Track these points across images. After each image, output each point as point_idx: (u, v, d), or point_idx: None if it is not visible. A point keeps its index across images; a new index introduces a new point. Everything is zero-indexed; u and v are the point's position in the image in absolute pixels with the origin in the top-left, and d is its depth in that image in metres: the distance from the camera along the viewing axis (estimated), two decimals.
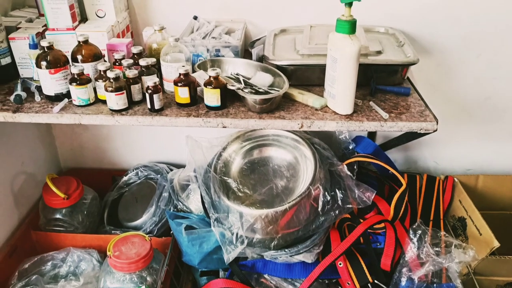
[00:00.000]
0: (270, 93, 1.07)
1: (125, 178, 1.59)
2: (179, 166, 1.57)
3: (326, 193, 1.23)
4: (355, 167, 1.32)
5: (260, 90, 1.10)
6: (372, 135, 1.52)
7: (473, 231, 1.30)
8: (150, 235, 1.38)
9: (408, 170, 1.62)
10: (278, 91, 1.07)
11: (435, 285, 1.16)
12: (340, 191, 1.24)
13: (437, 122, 1.03)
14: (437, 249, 1.21)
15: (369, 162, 1.35)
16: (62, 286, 1.21)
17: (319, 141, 1.38)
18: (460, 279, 1.19)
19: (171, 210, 1.42)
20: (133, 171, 1.60)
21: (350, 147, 1.41)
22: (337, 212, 1.23)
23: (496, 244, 1.19)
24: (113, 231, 1.42)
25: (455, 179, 1.47)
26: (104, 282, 1.19)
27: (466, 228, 1.33)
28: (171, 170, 1.56)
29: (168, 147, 1.65)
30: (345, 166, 1.28)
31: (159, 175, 1.55)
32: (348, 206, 1.24)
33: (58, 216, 1.41)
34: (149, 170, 1.59)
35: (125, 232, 1.27)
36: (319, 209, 1.22)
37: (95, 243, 1.38)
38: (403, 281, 1.17)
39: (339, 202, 1.23)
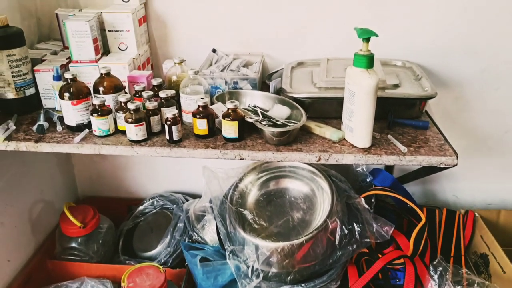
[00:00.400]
0: (287, 125, 1.08)
1: (140, 207, 1.60)
2: (195, 196, 1.58)
3: (343, 226, 1.21)
4: (372, 200, 1.30)
5: (278, 122, 1.10)
6: (389, 168, 1.50)
7: (497, 269, 1.25)
8: (165, 266, 1.36)
9: (427, 204, 1.58)
10: (296, 123, 1.07)
11: None
12: (357, 225, 1.22)
13: (457, 157, 1.02)
14: (459, 287, 1.17)
15: (387, 195, 1.33)
16: None
17: (336, 173, 1.37)
18: None
19: (186, 241, 1.41)
20: (149, 200, 1.60)
21: (368, 180, 1.39)
22: (354, 246, 1.21)
23: None
24: (127, 261, 1.42)
25: (476, 214, 1.43)
26: None
27: (489, 265, 1.29)
28: (187, 200, 1.56)
29: (185, 177, 1.65)
30: (362, 199, 1.27)
31: (174, 205, 1.55)
32: (366, 240, 1.21)
33: (73, 245, 1.41)
34: (165, 200, 1.59)
35: (140, 263, 1.26)
36: (336, 243, 1.20)
37: (110, 273, 1.37)
38: None
39: (357, 236, 1.21)
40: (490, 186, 1.55)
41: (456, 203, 1.58)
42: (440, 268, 1.19)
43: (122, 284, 1.17)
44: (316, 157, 1.02)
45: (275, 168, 1.38)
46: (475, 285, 1.16)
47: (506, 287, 1.18)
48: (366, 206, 1.26)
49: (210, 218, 1.39)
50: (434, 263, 1.19)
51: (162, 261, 1.40)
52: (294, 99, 1.17)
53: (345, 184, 1.34)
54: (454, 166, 1.03)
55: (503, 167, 1.52)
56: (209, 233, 1.38)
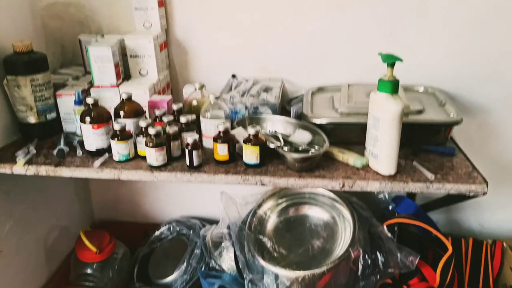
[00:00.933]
0: (309, 151, 1.05)
1: (157, 233, 1.57)
2: (213, 222, 1.55)
3: (366, 255, 1.17)
4: (395, 228, 1.26)
5: (299, 148, 1.08)
6: (412, 195, 1.46)
7: None
8: None
9: (452, 233, 1.53)
10: (318, 149, 1.05)
11: None
12: (381, 254, 1.18)
13: (487, 185, 0.98)
14: None
15: (410, 224, 1.28)
16: None
17: (357, 200, 1.33)
18: None
19: (203, 268, 1.37)
20: (165, 225, 1.58)
21: (390, 207, 1.35)
22: (378, 276, 1.16)
23: None
24: None
25: (504, 244, 1.37)
26: None
27: None
28: (204, 226, 1.54)
29: (202, 202, 1.63)
30: (385, 227, 1.23)
31: (191, 231, 1.53)
32: (389, 270, 1.17)
33: (89, 271, 1.39)
34: (182, 225, 1.57)
35: None
36: (359, 273, 1.16)
37: None
38: None
39: (380, 266, 1.17)
40: None
41: (482, 232, 1.53)
42: None
43: None
44: (339, 184, 1.00)
45: (295, 195, 1.35)
46: None
47: None
48: (389, 234, 1.22)
49: (228, 245, 1.36)
50: None
51: None
52: (316, 124, 1.16)
53: (367, 211, 1.30)
54: (484, 194, 0.99)
55: None
56: (226, 261, 1.35)
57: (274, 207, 1.34)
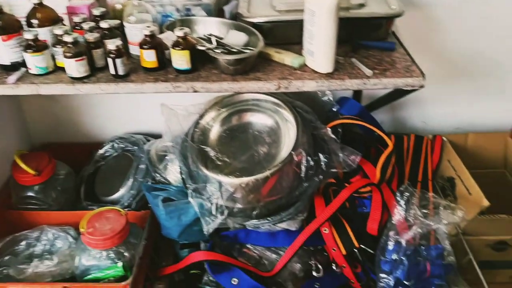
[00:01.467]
0: (244, 53, 0.99)
1: (101, 151, 1.52)
2: (157, 137, 1.50)
3: (309, 158, 1.17)
4: (339, 129, 1.26)
5: (234, 50, 1.01)
6: (357, 96, 1.45)
7: (462, 191, 1.26)
8: (128, 209, 1.32)
9: (396, 132, 1.56)
10: (253, 50, 0.99)
11: (423, 247, 1.13)
12: (323, 156, 1.18)
13: (423, 77, 0.96)
14: (425, 211, 1.17)
15: (354, 124, 1.28)
16: (35, 266, 1.15)
17: (302, 104, 1.31)
18: (448, 240, 1.15)
19: (149, 183, 1.35)
20: (109, 143, 1.53)
21: (334, 109, 1.34)
22: (321, 177, 1.18)
23: (486, 203, 1.15)
24: (90, 207, 1.36)
25: (444, 138, 1.41)
26: (80, 260, 1.14)
27: (455, 188, 1.29)
28: (148, 140, 1.49)
29: (144, 117, 1.57)
30: (328, 129, 1.22)
31: (136, 147, 1.48)
32: (332, 170, 1.18)
33: (30, 193, 1.34)
34: (126, 142, 1.52)
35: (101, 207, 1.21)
36: (302, 175, 1.17)
37: (72, 220, 1.31)
38: (390, 244, 1.14)
39: (323, 166, 1.18)
40: (458, 110, 1.53)
41: (425, 129, 1.56)
42: (407, 194, 1.17)
43: (81, 229, 1.12)
44: (275, 85, 0.95)
45: (238, 102, 1.30)
46: (441, 207, 1.16)
47: (471, 208, 1.19)
48: (333, 136, 1.22)
49: (173, 157, 1.33)
50: (401, 189, 1.18)
51: (126, 204, 1.35)
52: (253, 24, 1.08)
53: (311, 115, 1.28)
54: (421, 87, 0.98)
55: (472, 90, 1.49)
56: (172, 173, 1.33)
57: (217, 117, 1.29)
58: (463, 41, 1.38)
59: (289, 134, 1.23)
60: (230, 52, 1.00)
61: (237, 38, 1.05)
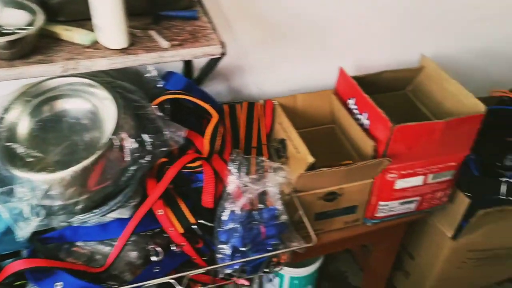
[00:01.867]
0: (18, 33, 0.87)
1: None
2: None
3: (132, 140, 1.11)
4: (166, 106, 1.22)
5: (7, 31, 0.88)
6: (188, 69, 1.41)
7: (292, 151, 1.31)
8: None
9: (235, 101, 1.56)
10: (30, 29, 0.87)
11: (255, 212, 1.16)
12: (149, 136, 1.13)
13: (223, 45, 0.95)
14: (255, 176, 1.20)
15: (181, 98, 1.25)
16: None
17: (124, 83, 1.23)
18: (282, 200, 1.20)
19: None
20: None
21: (159, 86, 1.28)
22: (149, 158, 1.13)
23: (311, 159, 1.21)
24: None
25: (274, 102, 1.45)
26: None
27: (287, 149, 1.34)
28: None
29: None
30: (154, 107, 1.17)
31: None
32: (161, 149, 1.14)
33: None
34: None
35: None
36: (127, 158, 1.10)
37: None
38: (225, 215, 1.14)
39: (150, 147, 1.13)
40: (289, 73, 1.58)
41: (261, 96, 1.59)
42: (238, 161, 1.19)
43: None
44: (60, 67, 0.86)
45: (48, 90, 1.17)
46: (269, 170, 1.19)
47: (299, 164, 1.24)
48: (159, 113, 1.17)
49: None
50: (231, 157, 1.18)
51: None
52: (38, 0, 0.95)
53: (136, 94, 1.21)
54: (223, 55, 0.96)
55: (299, 51, 1.54)
56: None
57: (25, 109, 1.15)
58: (281, 5, 1.40)
59: (109, 117, 1.15)
60: (4, 35, 0.87)
61: (15, 17, 0.92)
